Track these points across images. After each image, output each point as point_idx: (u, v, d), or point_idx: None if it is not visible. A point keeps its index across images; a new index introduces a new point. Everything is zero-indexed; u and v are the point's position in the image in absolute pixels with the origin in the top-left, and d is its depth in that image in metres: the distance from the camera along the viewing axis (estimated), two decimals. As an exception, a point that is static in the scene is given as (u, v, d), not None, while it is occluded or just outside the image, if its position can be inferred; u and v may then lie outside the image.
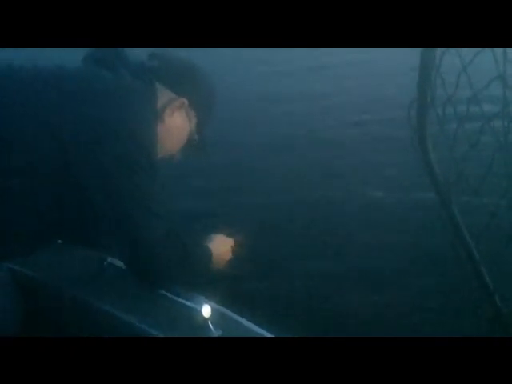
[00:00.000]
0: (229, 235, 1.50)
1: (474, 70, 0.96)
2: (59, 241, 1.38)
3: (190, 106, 1.37)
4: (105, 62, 1.29)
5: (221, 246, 1.44)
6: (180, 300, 1.27)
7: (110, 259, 1.39)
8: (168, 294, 1.28)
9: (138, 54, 1.38)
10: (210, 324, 1.20)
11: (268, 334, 1.18)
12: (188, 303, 1.25)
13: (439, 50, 0.93)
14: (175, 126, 1.35)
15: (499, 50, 0.91)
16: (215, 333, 1.18)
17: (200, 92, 1.40)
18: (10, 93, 1.20)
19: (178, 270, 1.26)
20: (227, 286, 1.63)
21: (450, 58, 0.95)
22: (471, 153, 0.98)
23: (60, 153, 1.14)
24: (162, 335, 1.18)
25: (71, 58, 1.29)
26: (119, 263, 1.37)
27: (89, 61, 1.33)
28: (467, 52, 0.92)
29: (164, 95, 1.33)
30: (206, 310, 1.22)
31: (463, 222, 1.03)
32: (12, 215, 1.15)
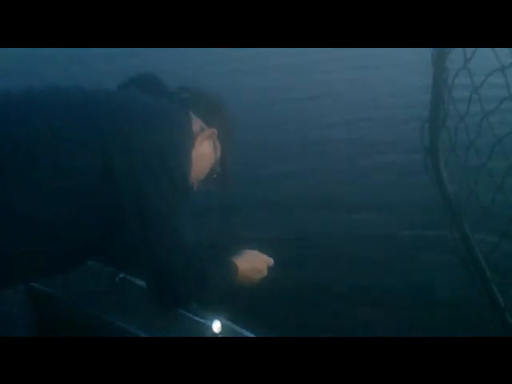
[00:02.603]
0: (264, 252, 1.48)
1: (484, 90, 0.94)
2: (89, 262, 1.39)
3: (217, 137, 1.41)
4: (145, 88, 1.32)
5: (252, 264, 1.43)
6: (190, 315, 1.26)
7: (122, 274, 1.39)
8: (179, 310, 1.27)
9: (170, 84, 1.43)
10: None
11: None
12: (198, 319, 1.26)
13: (451, 72, 0.91)
14: (203, 154, 1.38)
15: (509, 71, 0.87)
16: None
17: (227, 125, 1.45)
18: (54, 113, 1.18)
19: (195, 296, 1.25)
20: (238, 302, 1.64)
21: (462, 79, 0.93)
22: (482, 172, 0.96)
23: (104, 173, 1.13)
24: (172, 349, 1.20)
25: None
26: (131, 278, 1.37)
27: (129, 86, 1.35)
28: (479, 73, 0.89)
29: (196, 124, 1.36)
30: (217, 326, 1.23)
31: (474, 240, 1.02)
32: (47, 237, 1.13)
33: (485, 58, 0.84)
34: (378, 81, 5.80)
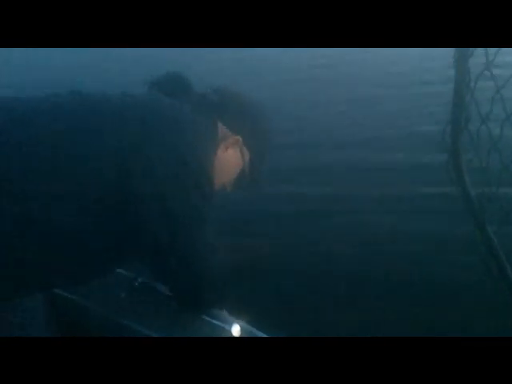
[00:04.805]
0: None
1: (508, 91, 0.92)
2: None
3: (244, 143, 1.37)
4: (170, 91, 1.29)
5: None
6: (209, 319, 1.27)
7: (141, 279, 1.39)
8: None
9: (201, 86, 1.40)
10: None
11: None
12: (217, 322, 1.26)
13: (473, 73, 0.89)
14: (227, 161, 1.34)
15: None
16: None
17: (255, 132, 1.39)
18: (78, 119, 1.18)
19: (220, 297, 1.28)
20: (256, 305, 1.66)
21: (484, 80, 0.92)
22: (505, 174, 0.95)
23: (121, 178, 1.12)
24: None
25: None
26: (150, 283, 1.37)
27: (154, 89, 1.33)
28: (501, 74, 0.87)
29: (220, 130, 1.33)
30: (236, 329, 1.24)
31: (497, 243, 1.02)
32: (64, 243, 1.13)
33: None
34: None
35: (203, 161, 1.20)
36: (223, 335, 1.23)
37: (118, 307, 1.35)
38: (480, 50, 0.90)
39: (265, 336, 1.25)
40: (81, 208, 1.12)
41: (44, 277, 1.17)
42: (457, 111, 0.95)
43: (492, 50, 0.90)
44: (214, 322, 1.27)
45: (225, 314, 1.30)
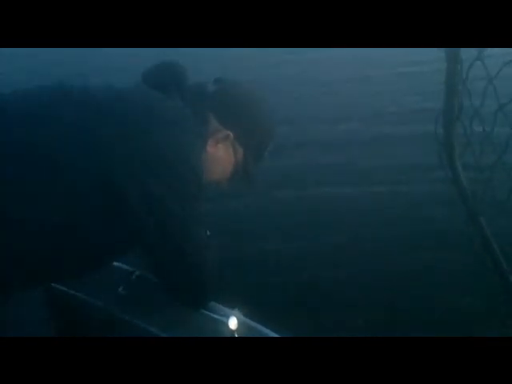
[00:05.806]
0: None
1: (500, 82, 0.91)
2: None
3: (236, 139, 1.31)
4: (161, 83, 1.26)
5: None
6: (206, 312, 1.27)
7: (138, 272, 1.38)
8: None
9: (199, 78, 1.34)
10: (236, 336, 1.21)
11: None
12: (214, 315, 1.26)
13: (465, 63, 0.88)
14: (217, 156, 1.30)
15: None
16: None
17: (249, 129, 1.32)
18: (62, 113, 1.16)
19: (216, 292, 1.27)
20: (254, 298, 1.66)
21: (477, 71, 0.91)
22: (498, 165, 0.94)
23: (108, 175, 1.10)
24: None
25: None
26: (147, 276, 1.37)
27: (145, 80, 1.30)
28: (494, 64, 0.87)
29: (211, 124, 1.28)
30: (233, 322, 1.23)
31: (491, 234, 1.02)
32: (59, 240, 1.12)
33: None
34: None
35: (193, 160, 1.16)
36: (221, 328, 1.23)
37: (115, 301, 1.35)
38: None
39: (261, 328, 1.26)
40: (74, 205, 1.11)
41: (40, 273, 1.17)
42: (449, 101, 0.94)
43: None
44: (212, 315, 1.27)
45: (221, 306, 1.29)
